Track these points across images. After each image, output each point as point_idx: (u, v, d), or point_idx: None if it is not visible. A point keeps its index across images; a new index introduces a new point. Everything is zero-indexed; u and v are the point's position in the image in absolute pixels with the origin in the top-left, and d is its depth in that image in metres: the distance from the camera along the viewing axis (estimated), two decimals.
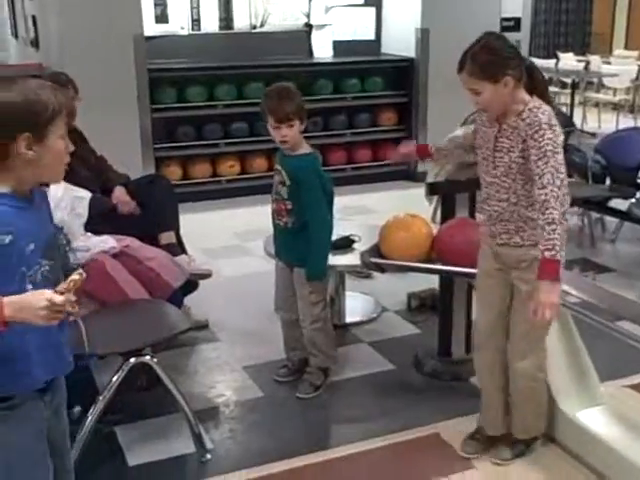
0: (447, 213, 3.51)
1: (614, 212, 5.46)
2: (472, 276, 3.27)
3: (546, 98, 2.62)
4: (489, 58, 2.50)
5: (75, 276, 1.74)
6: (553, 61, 11.41)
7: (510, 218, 2.64)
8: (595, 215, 5.70)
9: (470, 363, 3.61)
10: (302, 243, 3.27)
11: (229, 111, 6.83)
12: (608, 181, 5.52)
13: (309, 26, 7.66)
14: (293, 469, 2.90)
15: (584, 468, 2.84)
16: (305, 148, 3.30)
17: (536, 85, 2.63)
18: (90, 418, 2.85)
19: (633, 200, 5.29)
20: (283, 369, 3.59)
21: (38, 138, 1.77)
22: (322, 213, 3.29)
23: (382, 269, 3.53)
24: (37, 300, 1.67)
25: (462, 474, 2.86)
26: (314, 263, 3.30)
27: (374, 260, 3.38)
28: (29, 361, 1.83)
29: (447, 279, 3.56)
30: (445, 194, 3.61)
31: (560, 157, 2.46)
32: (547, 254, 2.41)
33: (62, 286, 1.71)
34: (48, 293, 1.69)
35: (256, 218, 5.91)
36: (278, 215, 3.32)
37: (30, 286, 1.77)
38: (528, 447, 2.94)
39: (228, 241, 5.62)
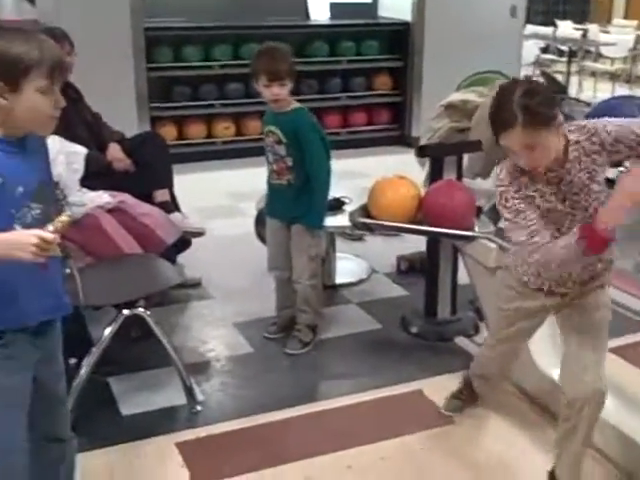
0: (435, 175, 3.57)
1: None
2: (457, 238, 3.36)
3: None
4: (540, 99, 2.16)
5: (63, 217, 1.81)
6: (551, 29, 11.39)
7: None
8: None
9: (454, 324, 3.75)
10: (304, 198, 3.37)
11: (225, 72, 6.85)
12: None
13: None
14: (282, 420, 3.01)
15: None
16: (294, 104, 3.37)
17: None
18: (84, 368, 2.94)
19: (621, 168, 5.35)
20: (273, 326, 3.68)
21: (11, 89, 1.81)
22: (324, 163, 3.39)
23: (370, 228, 3.63)
24: (27, 237, 1.74)
25: (441, 429, 2.96)
26: (318, 211, 3.41)
27: (362, 220, 3.46)
28: (17, 295, 1.89)
29: (433, 241, 3.63)
30: (434, 157, 3.67)
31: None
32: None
33: (51, 226, 1.78)
34: (37, 230, 1.75)
35: (250, 179, 5.96)
36: (279, 175, 3.39)
37: (19, 227, 1.83)
38: None
39: (221, 202, 5.69)
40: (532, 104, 2.13)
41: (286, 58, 3.28)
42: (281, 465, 2.73)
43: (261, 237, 3.99)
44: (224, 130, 6.96)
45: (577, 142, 2.25)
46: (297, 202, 3.39)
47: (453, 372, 3.27)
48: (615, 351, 3.41)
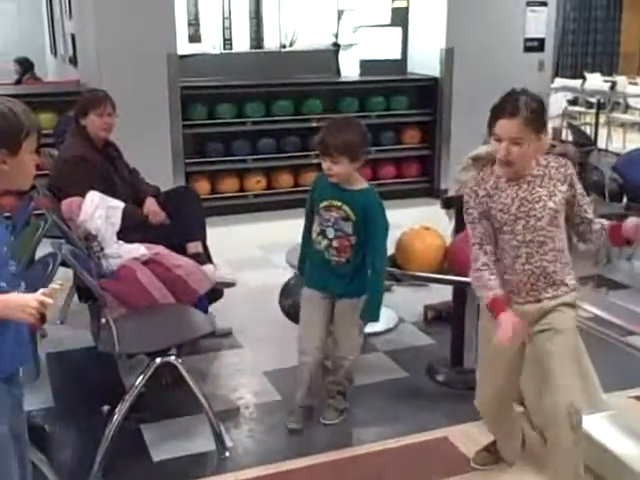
0: (460, 226, 3.66)
1: None
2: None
3: None
4: (540, 108, 2.49)
5: (55, 285, 1.99)
6: (580, 81, 11.53)
7: (555, 268, 2.59)
8: None
9: None
10: (359, 276, 3.25)
11: (256, 128, 7.06)
12: (625, 199, 5.62)
13: (337, 45, 7.87)
14: (308, 466, 3.07)
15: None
16: (363, 182, 3.25)
17: None
18: (117, 415, 3.04)
19: None
20: (294, 416, 3.37)
21: (12, 153, 1.99)
22: (385, 249, 3.28)
23: (397, 279, 3.71)
24: (29, 300, 1.90)
25: (468, 474, 3.00)
26: (376, 303, 3.26)
27: (389, 270, 3.55)
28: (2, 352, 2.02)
29: (459, 290, 3.71)
30: (459, 208, 3.76)
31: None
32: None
33: (46, 291, 1.95)
34: (38, 295, 1.92)
35: (280, 232, 6.13)
36: (339, 252, 3.22)
37: (4, 283, 1.98)
38: None
39: (252, 253, 5.82)
40: (536, 108, 2.47)
41: (344, 132, 3.09)
42: None
43: (285, 310, 3.92)
44: (255, 184, 7.15)
45: (546, 165, 2.57)
46: (352, 280, 3.26)
47: (479, 420, 3.30)
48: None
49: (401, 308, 4.67)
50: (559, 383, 2.57)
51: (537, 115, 2.47)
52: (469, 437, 3.17)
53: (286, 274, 5.05)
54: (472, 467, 3.04)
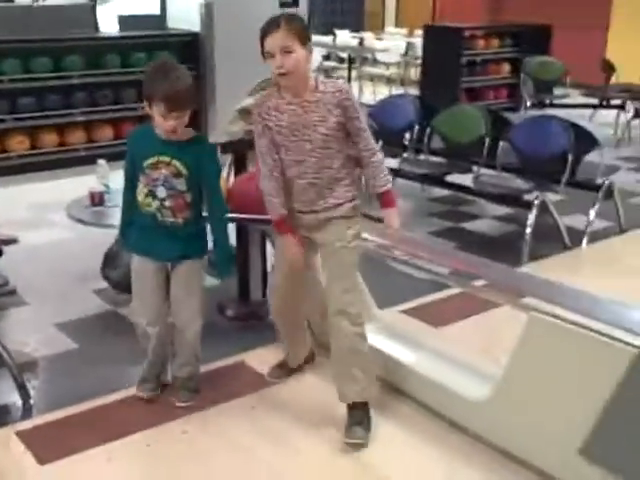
0: (239, 168, 3.91)
1: None
2: (265, 223, 3.70)
3: None
4: (302, 23, 2.78)
5: None
6: (331, 37, 12.17)
7: (326, 185, 2.84)
8: None
9: (266, 304, 4.08)
10: (197, 236, 3.08)
11: (15, 86, 6.78)
12: (380, 143, 6.16)
13: (93, 0, 7.70)
14: (111, 402, 3.20)
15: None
16: (190, 131, 3.01)
17: None
18: None
19: (401, 158, 6.01)
20: (148, 384, 3.24)
21: None
22: (222, 194, 3.18)
23: None
24: None
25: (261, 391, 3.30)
26: (229, 255, 3.19)
27: None
28: None
29: (242, 227, 3.96)
30: (237, 152, 4.00)
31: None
32: (388, 186, 2.90)
33: None
34: None
35: (51, 192, 6.04)
36: (174, 213, 2.97)
37: None
38: (367, 414, 3.00)
39: (24, 214, 5.68)
40: (296, 20, 2.75)
41: (187, 81, 2.90)
42: (123, 438, 2.94)
43: (112, 282, 3.55)
44: (18, 144, 6.88)
45: (323, 92, 2.78)
46: (189, 240, 3.04)
47: (268, 345, 3.60)
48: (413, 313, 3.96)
49: None
50: (337, 294, 2.90)
51: (298, 25, 2.73)
52: (262, 358, 3.46)
53: (65, 231, 5.06)
54: (267, 381, 3.35)
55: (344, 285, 2.90)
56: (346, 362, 2.95)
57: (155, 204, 2.96)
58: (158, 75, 2.85)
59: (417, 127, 6.08)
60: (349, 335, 2.91)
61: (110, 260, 3.53)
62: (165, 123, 2.86)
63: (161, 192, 2.95)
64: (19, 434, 2.94)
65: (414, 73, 11.98)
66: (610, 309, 2.72)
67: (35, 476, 2.75)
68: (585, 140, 5.22)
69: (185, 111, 2.86)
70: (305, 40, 2.74)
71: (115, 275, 3.32)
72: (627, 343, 2.45)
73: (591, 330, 2.55)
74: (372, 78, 11.91)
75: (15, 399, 3.20)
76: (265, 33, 2.72)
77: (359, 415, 2.97)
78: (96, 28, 7.67)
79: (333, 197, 2.88)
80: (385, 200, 2.93)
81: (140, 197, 2.99)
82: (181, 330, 3.14)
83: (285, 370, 3.39)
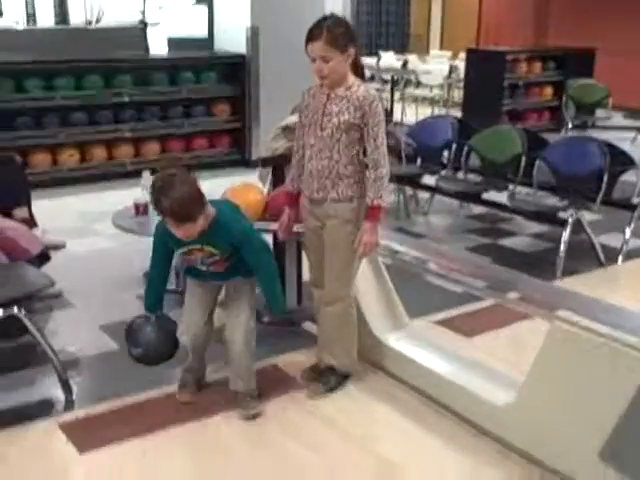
0: (277, 181, 4.05)
1: (424, 187, 6.25)
2: (300, 234, 3.83)
3: (364, 81, 3.16)
4: (342, 30, 2.98)
5: None
6: (375, 59, 12.33)
7: (329, 175, 3.10)
8: (409, 191, 6.46)
9: (301, 311, 4.20)
10: (240, 266, 3.11)
11: (67, 103, 7.06)
12: (419, 161, 6.27)
13: (144, 23, 7.98)
14: (147, 399, 3.35)
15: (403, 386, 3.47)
16: (208, 216, 2.94)
17: (357, 69, 3.14)
18: None
19: (439, 176, 6.10)
20: (188, 388, 3.38)
21: None
22: (264, 248, 3.13)
23: None
24: None
25: (292, 394, 3.40)
26: (279, 302, 3.21)
27: None
28: None
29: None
30: (274, 165, 4.16)
31: (385, 126, 3.07)
32: (376, 202, 3.06)
33: None
34: None
35: (98, 202, 6.28)
36: (217, 266, 3.08)
37: None
38: (340, 384, 3.42)
39: (74, 223, 5.90)
40: (336, 29, 2.97)
41: (189, 192, 2.83)
42: (157, 432, 3.09)
43: (136, 359, 3.17)
44: (69, 157, 7.15)
45: (356, 92, 3.03)
46: (237, 269, 3.13)
47: (302, 349, 3.72)
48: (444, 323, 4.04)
49: None
50: (329, 281, 3.26)
51: (338, 33, 2.96)
52: (295, 363, 3.58)
53: (110, 239, 5.26)
54: (299, 384, 3.47)
55: (333, 274, 3.24)
56: (330, 338, 3.37)
57: (197, 270, 3.13)
58: (160, 194, 2.83)
59: (455, 146, 6.17)
60: (332, 315, 3.30)
61: (132, 337, 3.16)
62: (179, 232, 2.90)
63: (201, 265, 3.08)
64: (62, 426, 3.11)
65: (457, 95, 12.06)
66: (632, 319, 2.79)
67: (75, 464, 2.91)
68: (621, 160, 5.26)
69: (195, 220, 2.84)
70: (345, 47, 2.97)
71: (135, 353, 3.12)
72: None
73: (609, 338, 2.61)
74: (415, 100, 12.02)
75: (59, 394, 3.36)
76: (308, 39, 2.98)
77: (326, 376, 3.39)
78: (146, 50, 7.93)
79: (335, 191, 3.12)
80: (371, 213, 3.11)
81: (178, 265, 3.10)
82: (230, 342, 3.20)
83: (317, 373, 3.50)
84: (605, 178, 5.09)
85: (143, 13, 7.98)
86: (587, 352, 2.67)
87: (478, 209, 6.32)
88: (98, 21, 7.83)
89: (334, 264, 3.24)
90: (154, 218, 4.33)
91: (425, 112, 11.28)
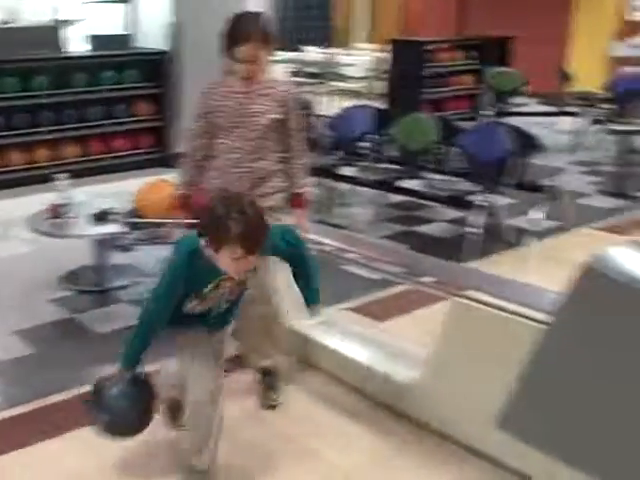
0: None
1: (344, 178, 6.33)
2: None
3: None
4: (270, 28, 3.00)
5: None
6: (299, 54, 12.38)
7: (261, 175, 3.06)
8: (329, 184, 6.51)
9: None
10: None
11: None
12: (341, 152, 6.33)
13: (59, 21, 7.85)
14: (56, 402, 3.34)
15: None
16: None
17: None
18: None
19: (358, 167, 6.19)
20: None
21: None
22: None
23: (139, 228, 4.04)
24: None
25: None
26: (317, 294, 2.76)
27: (129, 220, 3.87)
28: None
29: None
30: None
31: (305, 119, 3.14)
32: (306, 189, 3.17)
33: None
34: None
35: (15, 208, 6.15)
36: (233, 297, 2.59)
37: None
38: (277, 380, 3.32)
39: None
40: (266, 29, 2.97)
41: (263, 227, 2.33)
42: (69, 433, 3.08)
43: (102, 426, 2.54)
44: None
45: (273, 87, 3.04)
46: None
47: None
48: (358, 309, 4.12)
49: (146, 266, 4.96)
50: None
51: (269, 34, 2.97)
52: None
53: (25, 243, 5.19)
54: None
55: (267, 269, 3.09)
56: (260, 339, 3.25)
57: (214, 312, 2.58)
58: (228, 217, 2.22)
59: (376, 137, 6.26)
60: (258, 317, 3.16)
61: (99, 401, 2.51)
62: (239, 266, 2.30)
63: (223, 303, 2.56)
64: None
65: (382, 87, 12.18)
66: (539, 296, 2.88)
67: None
68: (530, 143, 5.42)
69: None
70: (270, 47, 2.99)
71: (104, 419, 2.51)
72: (533, 319, 2.61)
73: (502, 310, 2.72)
74: (341, 92, 12.09)
75: None
76: (240, 40, 2.91)
77: (270, 381, 3.28)
78: (61, 49, 7.74)
79: (266, 187, 3.08)
80: (298, 201, 3.16)
81: (190, 310, 2.49)
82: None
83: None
84: (513, 162, 5.24)
85: (56, 11, 7.86)
86: (484, 325, 2.78)
87: (397, 198, 6.42)
88: (14, 21, 7.69)
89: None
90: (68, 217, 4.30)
91: (347, 104, 11.33)
